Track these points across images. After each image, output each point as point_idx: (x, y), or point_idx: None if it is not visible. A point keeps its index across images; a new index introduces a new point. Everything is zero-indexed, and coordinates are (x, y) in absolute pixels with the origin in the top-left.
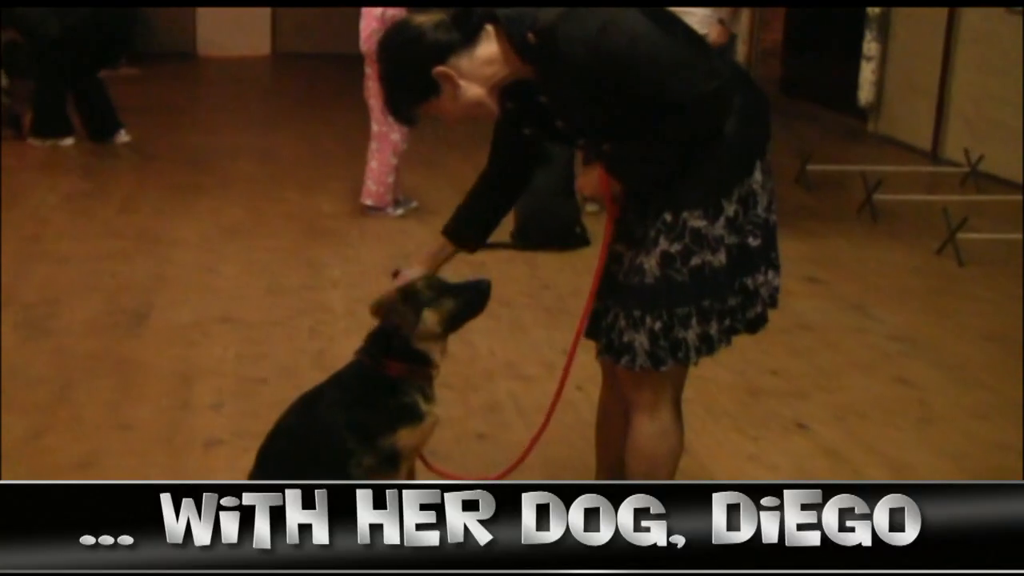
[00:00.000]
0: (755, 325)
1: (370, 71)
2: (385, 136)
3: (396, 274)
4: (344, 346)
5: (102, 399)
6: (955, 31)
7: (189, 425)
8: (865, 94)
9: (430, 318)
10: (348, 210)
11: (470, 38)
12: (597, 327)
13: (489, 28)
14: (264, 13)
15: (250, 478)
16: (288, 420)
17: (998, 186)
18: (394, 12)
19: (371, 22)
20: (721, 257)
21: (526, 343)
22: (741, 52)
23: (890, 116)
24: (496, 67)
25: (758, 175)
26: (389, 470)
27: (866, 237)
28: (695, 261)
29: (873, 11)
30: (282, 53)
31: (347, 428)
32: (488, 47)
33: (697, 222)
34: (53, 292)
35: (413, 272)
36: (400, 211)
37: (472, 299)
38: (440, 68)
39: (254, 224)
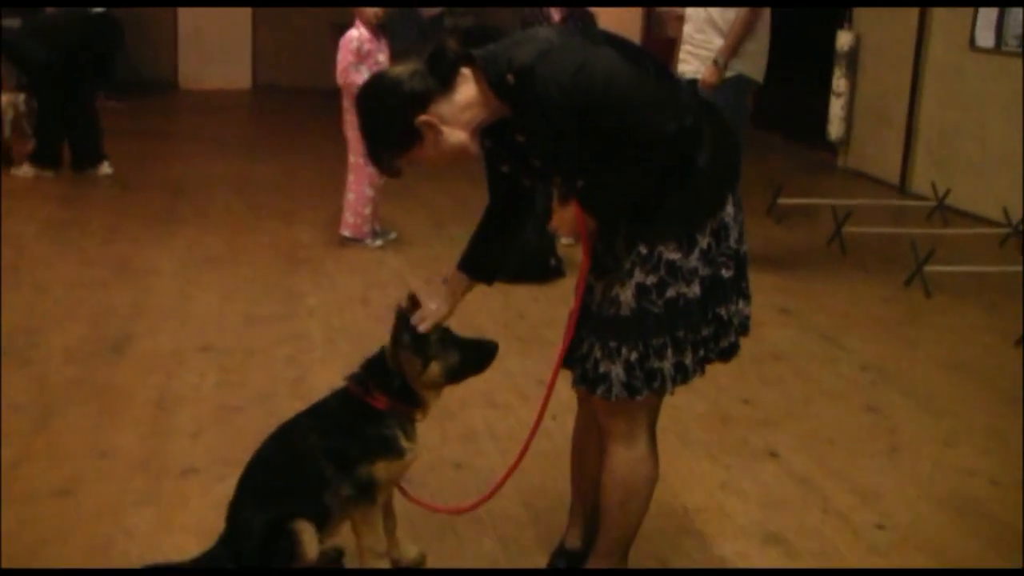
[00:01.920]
0: (728, 353)
1: (347, 103)
2: (362, 168)
3: (412, 299)
4: (321, 375)
5: (81, 426)
6: (921, 67)
7: (166, 452)
8: (835, 129)
9: (435, 368)
10: (325, 240)
11: (447, 83)
12: (572, 357)
13: (466, 71)
14: (245, 47)
15: (229, 507)
16: (267, 449)
17: (964, 219)
18: (370, 46)
19: (347, 55)
20: (695, 289)
21: (501, 372)
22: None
23: (859, 150)
24: (476, 110)
25: (730, 208)
26: (365, 500)
27: (836, 268)
28: (670, 293)
29: (842, 48)
30: (262, 85)
31: (324, 455)
32: (466, 90)
33: (672, 255)
34: (32, 320)
35: (431, 303)
36: (379, 242)
37: (477, 358)
38: (423, 117)
39: (233, 253)
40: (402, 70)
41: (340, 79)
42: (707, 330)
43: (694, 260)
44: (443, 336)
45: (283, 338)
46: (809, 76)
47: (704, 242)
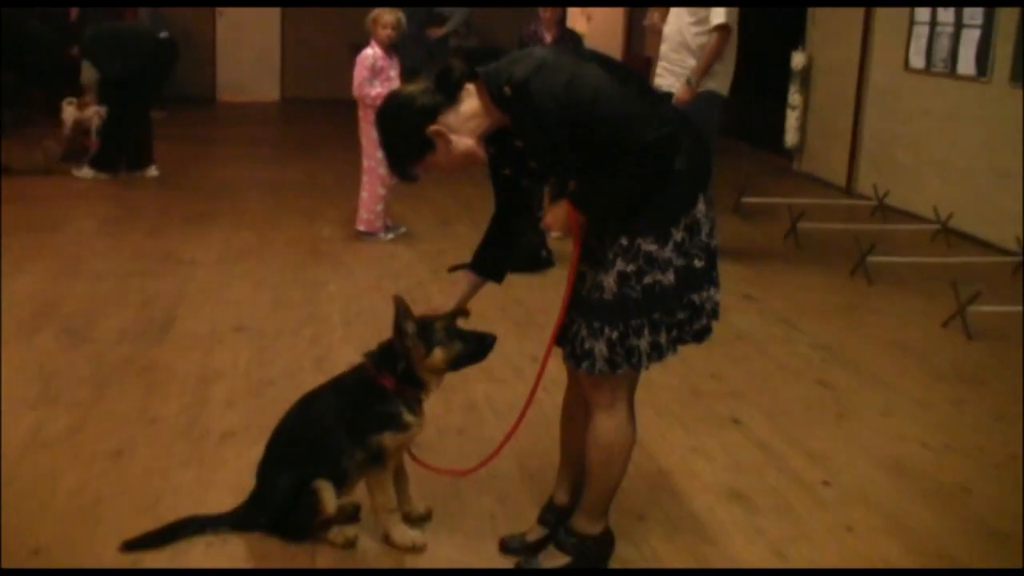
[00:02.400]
0: (701, 335)
1: (362, 113)
2: (373, 170)
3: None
4: (340, 352)
5: (132, 397)
6: (864, 86)
7: (206, 420)
8: (790, 137)
9: (438, 355)
10: (344, 235)
11: (453, 97)
12: (564, 336)
13: (470, 86)
14: (275, 63)
15: (258, 469)
16: (290, 418)
17: (901, 216)
18: (383, 63)
19: (362, 71)
20: (670, 276)
21: (499, 351)
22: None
23: (811, 156)
24: (480, 119)
25: (702, 206)
26: (376, 465)
27: (792, 260)
28: (647, 280)
29: (796, 67)
30: (289, 98)
31: (341, 426)
32: (471, 103)
33: (649, 246)
34: (90, 305)
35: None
36: (390, 236)
37: (477, 349)
38: (432, 127)
39: (262, 247)
40: (414, 88)
41: (356, 92)
42: (682, 314)
43: (669, 251)
44: (448, 327)
45: (307, 321)
46: (768, 92)
47: (678, 235)
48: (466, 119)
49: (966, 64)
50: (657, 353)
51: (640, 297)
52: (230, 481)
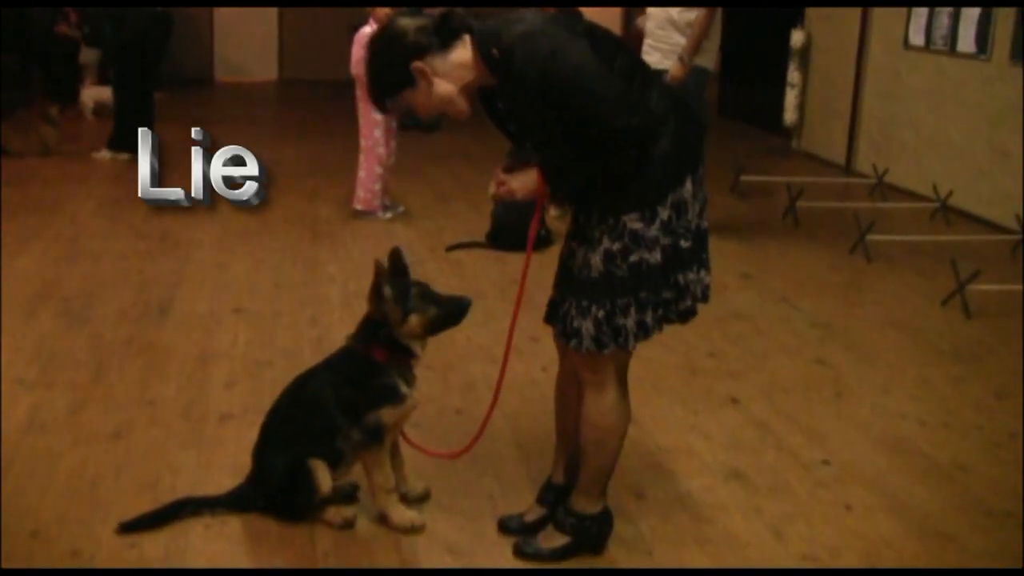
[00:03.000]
0: (686, 316)
1: (360, 93)
2: (371, 150)
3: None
4: (340, 333)
5: (131, 378)
6: (863, 64)
7: (205, 401)
8: (789, 116)
9: (414, 320)
10: (343, 215)
11: (447, 43)
12: (555, 314)
13: (465, 37)
14: (272, 43)
15: (254, 451)
16: (284, 400)
17: (900, 195)
18: None
19: (359, 50)
20: (656, 255)
21: (497, 330)
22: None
23: (810, 135)
24: (465, 71)
25: (689, 186)
26: (375, 443)
27: (790, 239)
28: (633, 258)
29: (795, 45)
30: (287, 79)
31: (336, 406)
32: (462, 53)
33: (635, 224)
34: (89, 286)
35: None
36: (389, 215)
37: (452, 312)
38: (417, 64)
39: (261, 227)
40: (409, 22)
41: (354, 71)
42: (668, 293)
43: (655, 230)
44: (423, 291)
45: (306, 301)
46: (767, 70)
47: (664, 214)
48: (453, 67)
49: (966, 42)
50: (643, 332)
51: (626, 275)
52: (229, 462)
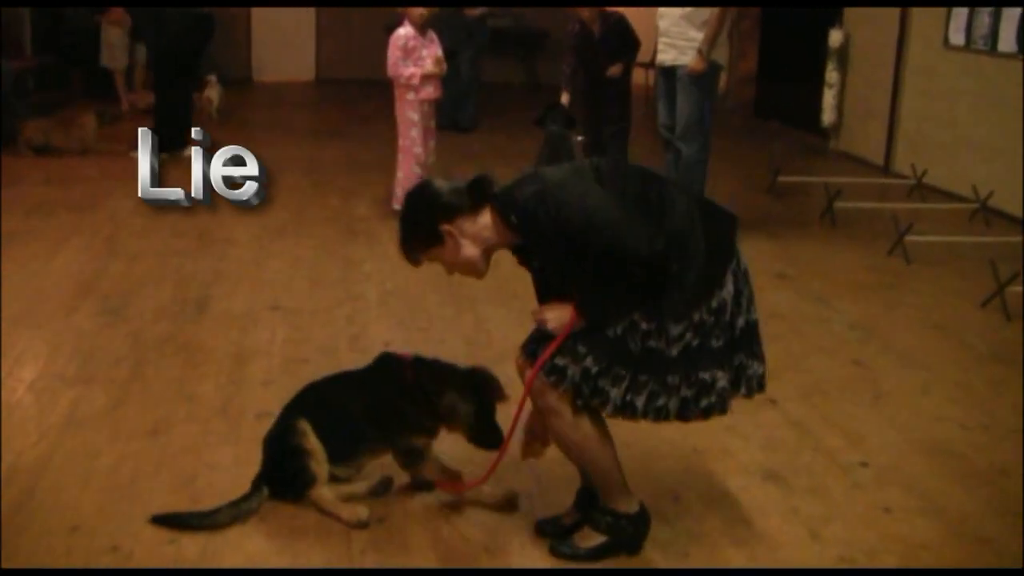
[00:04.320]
0: (708, 412)
1: (397, 93)
2: (408, 149)
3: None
4: (376, 330)
5: (169, 376)
6: (903, 63)
7: (242, 398)
8: (827, 116)
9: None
10: (380, 213)
11: (477, 206)
12: (536, 340)
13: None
14: (310, 43)
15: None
16: (308, 395)
17: (940, 196)
18: (415, 43)
19: (395, 51)
20: (674, 351)
21: (511, 343)
22: (722, 79)
23: (848, 135)
24: (491, 234)
25: (731, 286)
26: (418, 461)
27: (827, 239)
28: (652, 343)
29: (834, 45)
30: (325, 78)
31: (367, 419)
32: (488, 217)
33: (670, 325)
34: (127, 284)
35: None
36: None
37: (479, 439)
38: (446, 226)
39: (299, 225)
40: (445, 184)
41: (390, 72)
42: (688, 391)
43: (683, 329)
44: (478, 412)
45: (343, 299)
46: (805, 70)
47: (698, 316)
48: (480, 228)
49: (1007, 41)
50: (628, 411)
51: (638, 353)
52: None
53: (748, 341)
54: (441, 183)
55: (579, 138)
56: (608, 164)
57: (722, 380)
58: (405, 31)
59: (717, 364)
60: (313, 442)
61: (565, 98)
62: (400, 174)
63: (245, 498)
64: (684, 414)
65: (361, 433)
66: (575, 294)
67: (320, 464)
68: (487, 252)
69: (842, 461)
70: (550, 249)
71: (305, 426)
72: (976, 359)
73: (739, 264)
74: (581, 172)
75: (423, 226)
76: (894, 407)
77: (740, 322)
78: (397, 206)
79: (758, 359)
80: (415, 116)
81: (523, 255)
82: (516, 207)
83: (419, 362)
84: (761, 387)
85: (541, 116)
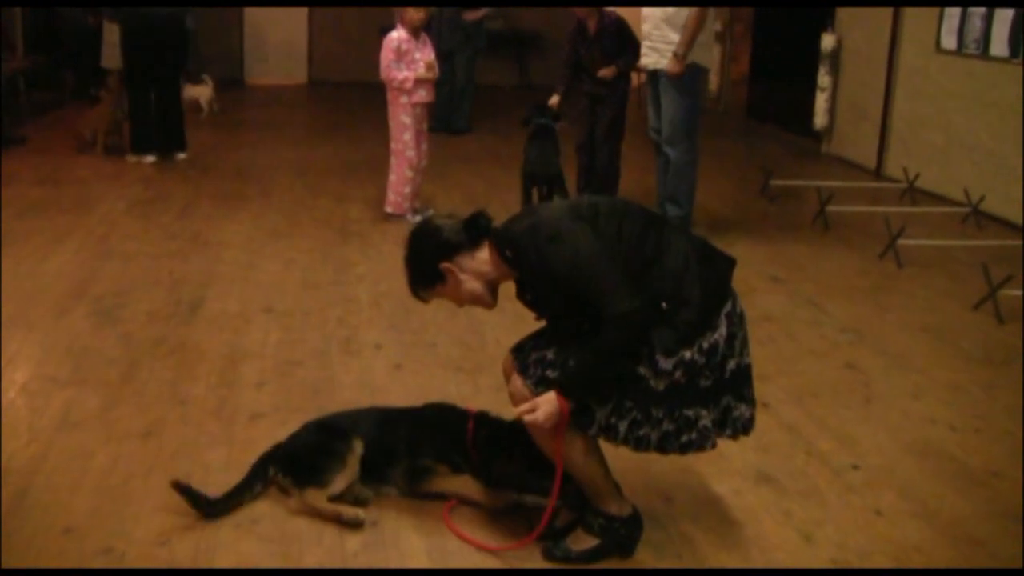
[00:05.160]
0: (686, 448)
1: (390, 97)
2: (401, 153)
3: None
4: (368, 333)
5: (162, 377)
6: (895, 67)
7: (236, 400)
8: (819, 119)
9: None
10: (372, 216)
11: (476, 241)
12: (526, 356)
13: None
14: (302, 46)
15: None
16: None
17: (932, 199)
18: (408, 46)
19: (388, 54)
20: (660, 385)
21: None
22: (713, 83)
23: (840, 138)
24: (489, 268)
25: (723, 329)
26: (416, 483)
27: (820, 242)
28: (640, 372)
29: (826, 48)
30: (317, 81)
31: (406, 442)
32: (487, 253)
33: (660, 358)
34: (120, 286)
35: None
36: (418, 217)
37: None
38: (445, 264)
39: (291, 228)
40: (444, 222)
41: (383, 75)
42: (669, 425)
43: (671, 365)
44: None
45: (335, 301)
46: (797, 73)
47: (689, 355)
48: (479, 264)
49: (999, 45)
50: (611, 434)
51: (621, 385)
52: None
53: (738, 384)
54: (439, 221)
55: (559, 122)
56: (607, 203)
57: (705, 419)
58: (398, 34)
59: (702, 403)
60: (354, 462)
61: (555, 100)
62: (393, 177)
63: (248, 484)
64: (663, 446)
65: (396, 464)
66: (559, 377)
67: (344, 480)
68: (490, 285)
69: (834, 464)
70: (539, 285)
71: (359, 446)
72: (968, 362)
73: (734, 307)
74: (578, 212)
75: (424, 267)
76: (886, 410)
77: (731, 365)
78: (390, 209)
79: (747, 402)
80: (407, 120)
81: (519, 289)
82: (511, 241)
83: (481, 419)
84: (747, 430)
85: (527, 117)
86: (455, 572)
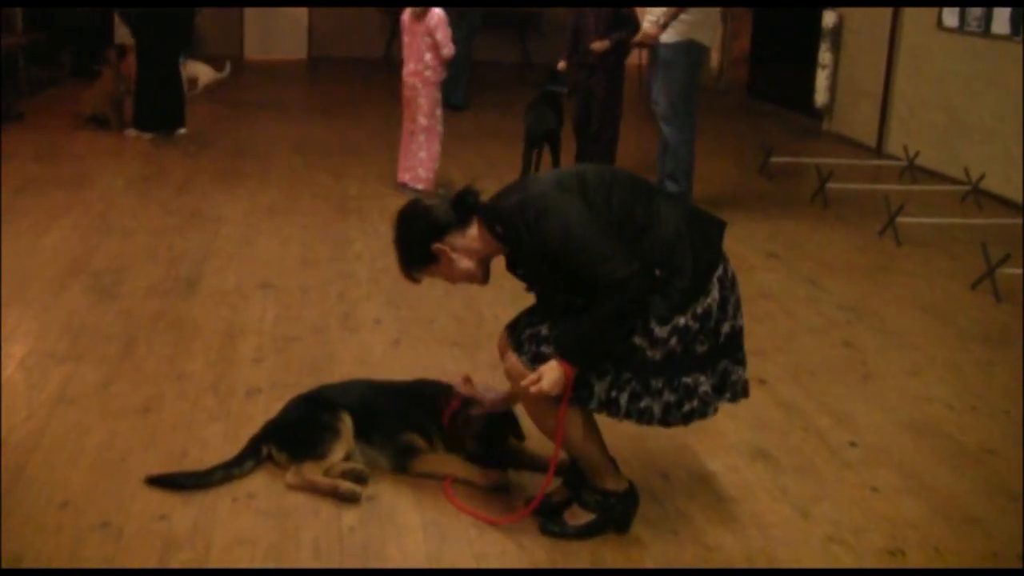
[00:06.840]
0: (688, 418)
1: (428, 74)
2: (432, 129)
3: (466, 380)
4: (366, 309)
5: (160, 353)
6: (896, 45)
7: (233, 376)
8: (820, 97)
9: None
10: (371, 192)
11: (464, 220)
12: (520, 332)
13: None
14: (302, 21)
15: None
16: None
17: (931, 178)
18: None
19: (447, 30)
20: (657, 354)
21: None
22: (714, 59)
23: (841, 116)
24: (480, 245)
25: (716, 293)
26: (404, 461)
27: (819, 220)
28: (636, 341)
29: (827, 26)
30: (317, 57)
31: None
32: (476, 230)
33: (652, 323)
34: (119, 262)
35: (484, 389)
36: (442, 190)
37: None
38: (437, 244)
39: (290, 204)
40: (433, 202)
41: (448, 53)
42: (670, 396)
43: (666, 332)
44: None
45: (333, 278)
46: (798, 51)
47: (682, 321)
48: (470, 241)
49: (1001, 23)
50: (612, 409)
51: (621, 352)
52: None
53: (733, 347)
54: (427, 202)
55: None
56: (595, 173)
57: (704, 385)
58: (409, 12)
59: (700, 369)
60: (347, 431)
61: (562, 65)
62: (423, 154)
63: (239, 461)
64: (666, 418)
65: (380, 435)
66: (555, 345)
67: (341, 449)
68: (482, 262)
69: (831, 441)
70: (531, 259)
71: (347, 418)
72: (965, 340)
73: (726, 270)
74: (565, 184)
75: (415, 248)
76: (883, 387)
77: (725, 328)
78: (421, 186)
79: (742, 365)
80: (439, 94)
81: (510, 263)
82: (500, 216)
83: (465, 405)
84: (746, 393)
85: (543, 80)
86: (455, 572)
